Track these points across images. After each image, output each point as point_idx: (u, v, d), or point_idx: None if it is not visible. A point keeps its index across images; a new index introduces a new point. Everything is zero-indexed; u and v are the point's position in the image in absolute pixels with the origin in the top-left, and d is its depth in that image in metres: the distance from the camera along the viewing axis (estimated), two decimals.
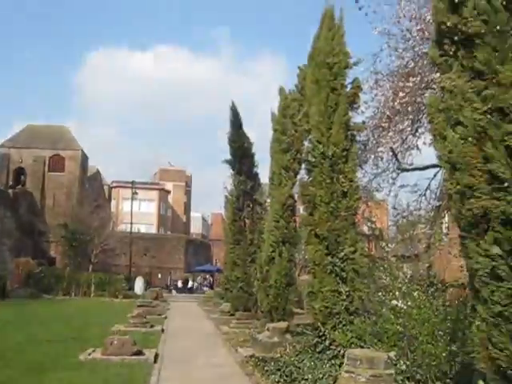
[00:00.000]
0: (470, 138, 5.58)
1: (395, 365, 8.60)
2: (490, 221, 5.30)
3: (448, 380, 8.03)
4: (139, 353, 13.23)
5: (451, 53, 6.19)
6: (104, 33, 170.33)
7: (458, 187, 5.61)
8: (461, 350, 7.89)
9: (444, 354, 8.38)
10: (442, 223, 18.04)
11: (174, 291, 61.39)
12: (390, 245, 18.10)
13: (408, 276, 13.83)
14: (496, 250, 5.21)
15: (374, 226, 17.75)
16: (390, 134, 15.79)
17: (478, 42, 5.79)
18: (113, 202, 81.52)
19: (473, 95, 5.72)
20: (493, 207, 5.24)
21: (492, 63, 5.63)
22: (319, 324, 11.75)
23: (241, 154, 26.51)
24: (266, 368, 11.55)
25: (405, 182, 17.86)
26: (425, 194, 17.75)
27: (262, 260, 18.78)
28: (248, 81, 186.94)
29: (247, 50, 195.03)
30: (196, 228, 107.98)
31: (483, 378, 5.39)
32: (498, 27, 5.64)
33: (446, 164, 5.85)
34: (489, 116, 5.53)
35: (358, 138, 14.12)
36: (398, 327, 9.98)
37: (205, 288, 66.92)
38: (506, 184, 5.24)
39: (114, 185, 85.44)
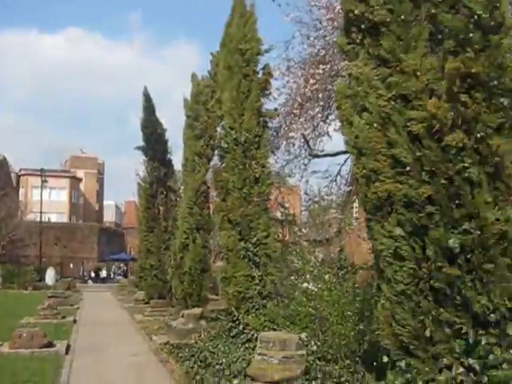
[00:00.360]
0: (375, 124, 5.78)
1: (307, 346, 8.81)
2: (394, 203, 5.53)
3: (357, 358, 8.30)
4: (50, 345, 12.84)
5: (358, 41, 6.36)
6: (11, 14, 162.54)
7: (364, 171, 5.81)
8: (368, 328, 8.18)
9: (352, 334, 8.68)
10: (352, 208, 18.59)
11: (89, 281, 59.96)
12: (302, 230, 18.49)
13: (319, 260, 14.19)
14: (399, 231, 5.44)
15: (286, 211, 18.01)
16: (301, 120, 16.04)
17: (383, 31, 5.98)
18: (21, 191, 78.35)
19: (378, 82, 5.92)
20: (396, 190, 5.47)
21: (396, 51, 5.84)
22: (233, 309, 11.85)
23: (154, 140, 26.09)
24: (180, 354, 11.51)
25: (316, 168, 18.28)
26: (335, 180, 18.21)
27: (176, 247, 18.72)
28: (162, 67, 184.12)
29: (161, 36, 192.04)
30: (109, 216, 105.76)
31: (387, 354, 5.62)
32: (402, 16, 5.84)
33: (353, 149, 6.03)
34: (393, 102, 5.74)
35: (270, 125, 14.28)
36: (310, 309, 10.21)
37: (119, 277, 65.83)
38: (408, 168, 5.47)
39: (23, 172, 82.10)
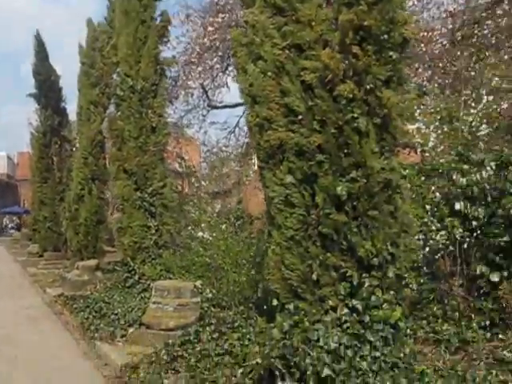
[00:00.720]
0: (269, 73, 5.79)
1: (202, 293, 8.94)
2: (285, 152, 5.62)
3: (250, 304, 8.54)
4: None
5: None
6: None
7: (257, 120, 5.84)
8: (259, 274, 8.40)
9: (246, 280, 8.90)
10: (250, 159, 18.77)
11: None
12: (202, 182, 18.55)
13: (217, 210, 14.36)
14: (290, 178, 5.55)
15: (185, 163, 17.96)
16: (200, 69, 15.89)
17: None
18: None
19: (273, 31, 5.91)
20: (288, 139, 5.55)
21: (292, 1, 5.84)
22: (129, 259, 11.77)
23: (47, 88, 24.84)
24: (74, 306, 11.38)
25: (215, 119, 18.34)
26: (234, 132, 18.30)
27: (71, 198, 18.16)
28: (57, 11, 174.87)
29: None
30: (1, 168, 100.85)
31: (277, 298, 5.80)
32: None
33: (247, 97, 6.04)
34: (287, 52, 5.76)
35: (168, 74, 14.00)
36: (207, 259, 10.34)
37: (12, 231, 63.35)
38: (300, 117, 5.56)
39: None
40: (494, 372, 5.33)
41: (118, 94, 12.29)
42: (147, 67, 12.08)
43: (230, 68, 16.28)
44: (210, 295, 9.15)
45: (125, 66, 12.20)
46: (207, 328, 7.64)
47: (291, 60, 5.68)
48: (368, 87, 5.49)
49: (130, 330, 8.75)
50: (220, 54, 15.69)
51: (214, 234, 10.69)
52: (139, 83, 11.96)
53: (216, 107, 17.83)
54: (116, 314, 9.62)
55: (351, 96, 5.43)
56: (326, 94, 5.49)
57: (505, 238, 7.00)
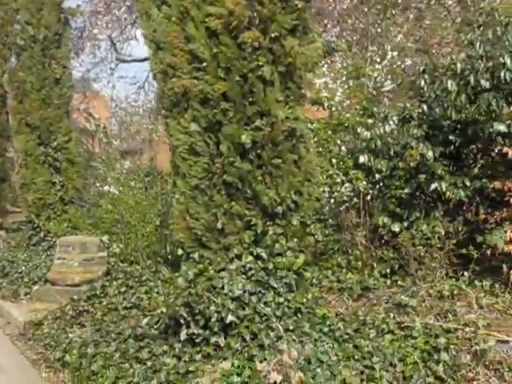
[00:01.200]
0: (173, 18, 5.63)
1: (108, 248, 8.79)
2: (190, 99, 5.51)
3: (159, 258, 8.49)
4: None
5: None
6: None
7: (162, 66, 5.70)
8: (167, 228, 8.33)
9: (153, 233, 8.83)
10: (160, 115, 18.44)
11: None
12: (112, 140, 18.09)
13: (126, 167, 14.09)
14: (194, 127, 5.48)
15: (93, 119, 17.43)
16: (107, 18, 15.31)
17: None
18: None
19: None
20: (192, 86, 5.44)
21: None
22: (33, 216, 11.37)
23: None
24: None
25: (124, 74, 17.83)
26: (143, 87, 17.90)
27: None
28: None
29: None
30: None
31: (182, 247, 5.78)
32: None
33: (151, 43, 5.88)
34: None
35: (74, 25, 13.46)
36: (115, 215, 10.15)
37: None
38: (204, 64, 5.45)
39: None
40: (391, 315, 5.54)
41: (19, 44, 11.64)
42: (50, 15, 11.47)
43: (139, 20, 15.79)
44: (117, 250, 9.01)
45: (25, 14, 11.54)
46: (114, 282, 7.54)
47: (196, 5, 5.53)
48: (273, 35, 5.46)
49: (35, 287, 8.51)
50: (128, 3, 15.14)
51: (121, 189, 10.47)
52: (41, 32, 11.36)
53: (125, 61, 17.33)
54: (20, 273, 9.34)
55: (256, 44, 5.37)
56: (230, 41, 5.40)
57: (405, 190, 7.22)
